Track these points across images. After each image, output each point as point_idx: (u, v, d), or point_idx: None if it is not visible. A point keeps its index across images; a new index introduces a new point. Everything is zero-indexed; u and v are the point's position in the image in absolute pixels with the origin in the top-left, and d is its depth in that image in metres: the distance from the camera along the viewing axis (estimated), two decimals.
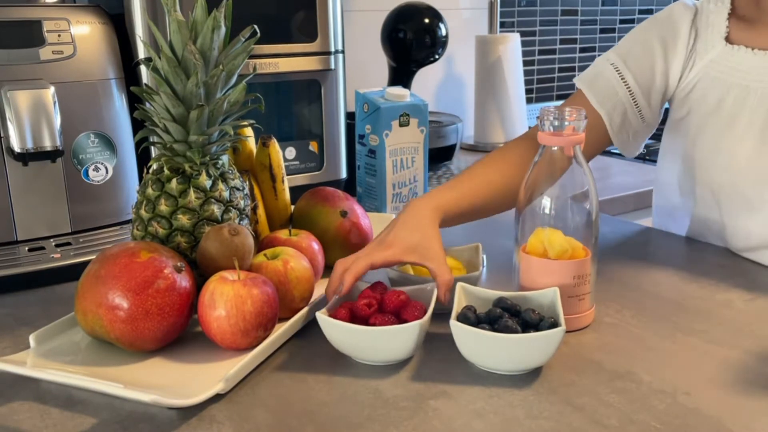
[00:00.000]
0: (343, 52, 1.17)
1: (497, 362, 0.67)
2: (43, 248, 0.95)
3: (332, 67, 1.15)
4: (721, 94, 0.93)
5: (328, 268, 0.88)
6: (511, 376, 0.67)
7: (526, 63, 2.00)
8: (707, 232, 1.01)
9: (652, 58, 0.96)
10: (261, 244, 0.84)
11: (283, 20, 1.10)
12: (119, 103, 1.02)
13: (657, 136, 1.08)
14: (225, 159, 0.81)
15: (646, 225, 1.16)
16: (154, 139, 0.79)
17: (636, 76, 0.96)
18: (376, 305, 0.72)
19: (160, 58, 0.74)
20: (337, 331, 0.69)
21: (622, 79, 0.96)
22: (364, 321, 0.70)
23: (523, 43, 1.95)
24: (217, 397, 0.63)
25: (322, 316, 0.68)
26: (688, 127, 0.97)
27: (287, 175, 0.97)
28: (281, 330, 0.72)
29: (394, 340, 0.68)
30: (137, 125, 0.85)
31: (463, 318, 0.68)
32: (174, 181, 0.76)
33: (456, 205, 0.84)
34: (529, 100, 1.98)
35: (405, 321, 0.69)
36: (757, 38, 0.93)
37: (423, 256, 0.76)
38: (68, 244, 0.96)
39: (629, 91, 0.96)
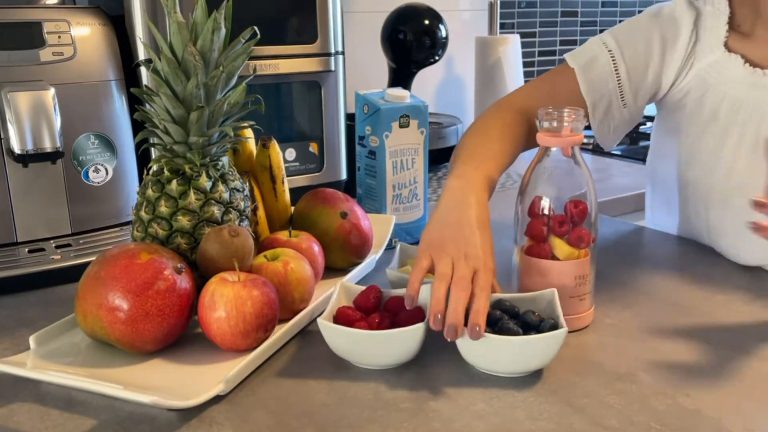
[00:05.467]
0: (343, 53, 1.17)
1: (499, 365, 0.67)
2: (43, 249, 0.95)
3: (332, 68, 1.16)
4: (716, 102, 0.92)
5: (328, 270, 0.88)
6: (512, 378, 0.67)
7: (526, 64, 2.00)
8: (691, 223, 1.01)
9: (649, 56, 0.94)
10: (261, 246, 0.84)
11: (283, 22, 1.10)
12: (119, 105, 1.02)
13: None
14: (225, 160, 0.81)
15: (646, 226, 1.16)
16: (154, 140, 0.79)
17: (629, 70, 0.94)
18: (375, 310, 0.73)
19: (160, 59, 0.74)
20: (336, 336, 0.68)
21: (615, 70, 0.94)
22: (363, 325, 0.70)
23: (523, 44, 1.95)
24: (217, 399, 0.63)
25: (322, 321, 0.68)
26: (686, 132, 0.96)
27: (287, 176, 0.97)
28: (281, 331, 0.72)
29: (394, 344, 0.67)
30: (137, 126, 0.85)
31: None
32: (174, 182, 0.76)
33: (491, 182, 0.82)
34: None
35: (403, 324, 0.69)
36: (753, 50, 0.92)
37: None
38: (68, 245, 0.96)
39: (619, 84, 0.94)
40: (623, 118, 0.97)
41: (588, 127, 0.96)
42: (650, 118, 2.12)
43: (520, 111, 0.94)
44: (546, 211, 0.75)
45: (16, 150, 0.90)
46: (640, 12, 1.02)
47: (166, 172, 0.77)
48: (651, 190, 1.11)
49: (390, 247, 1.00)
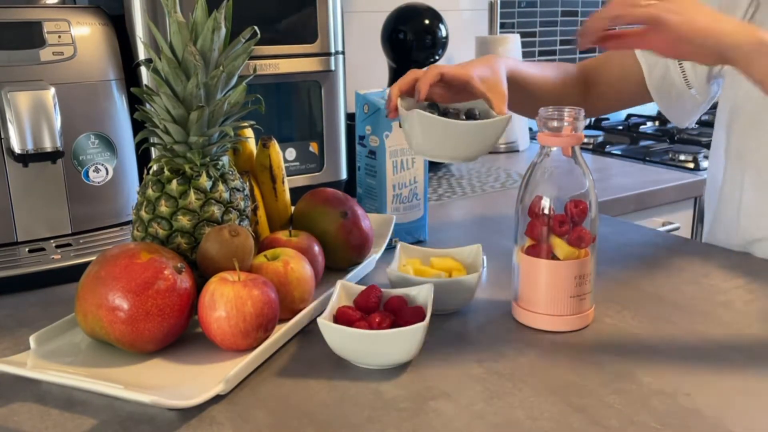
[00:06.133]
0: (343, 53, 1.17)
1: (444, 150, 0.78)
2: (43, 249, 0.95)
3: (332, 68, 1.16)
4: None
5: (328, 270, 0.89)
6: (512, 378, 0.67)
7: None
8: (723, 218, 1.01)
9: None
10: (261, 246, 0.84)
11: (284, 21, 1.10)
12: (119, 104, 1.02)
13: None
14: (225, 160, 0.81)
15: (646, 226, 1.16)
16: (154, 140, 0.79)
17: None
18: (375, 310, 0.73)
19: (160, 59, 0.74)
20: (336, 335, 0.68)
21: None
22: (364, 324, 0.70)
23: (524, 44, 1.96)
24: (217, 398, 0.64)
25: (322, 321, 0.68)
26: (734, 98, 0.97)
27: (287, 176, 0.97)
28: (281, 331, 0.72)
29: (395, 344, 0.67)
30: (137, 126, 0.86)
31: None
32: (174, 182, 0.76)
33: (517, 69, 0.94)
34: None
35: (403, 324, 0.69)
36: None
37: (489, 88, 0.82)
38: (68, 245, 0.96)
39: None
40: (685, 88, 1.00)
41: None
42: (650, 118, 2.11)
43: (577, 66, 1.08)
44: (546, 211, 0.75)
45: (16, 150, 0.90)
46: None
47: (167, 172, 0.77)
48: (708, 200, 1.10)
49: (390, 247, 1.00)
